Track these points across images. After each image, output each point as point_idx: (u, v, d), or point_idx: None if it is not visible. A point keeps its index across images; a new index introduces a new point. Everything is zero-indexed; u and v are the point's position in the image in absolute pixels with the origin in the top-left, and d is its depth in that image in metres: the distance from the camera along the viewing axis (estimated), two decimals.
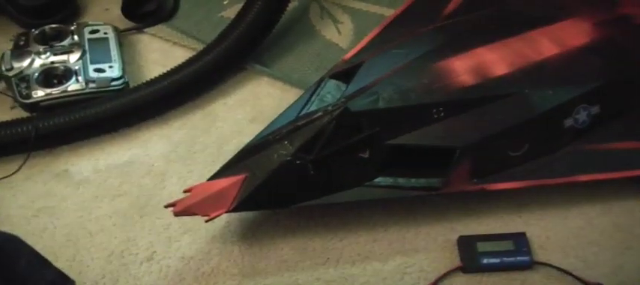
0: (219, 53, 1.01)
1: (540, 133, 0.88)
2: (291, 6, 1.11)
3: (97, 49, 1.04)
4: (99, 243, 0.87)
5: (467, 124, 0.84)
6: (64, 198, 0.92)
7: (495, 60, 0.89)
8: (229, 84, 1.06)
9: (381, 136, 0.82)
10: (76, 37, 1.06)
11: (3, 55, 1.01)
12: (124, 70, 1.02)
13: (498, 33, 0.93)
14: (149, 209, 0.90)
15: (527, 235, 0.87)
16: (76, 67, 1.01)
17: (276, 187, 0.81)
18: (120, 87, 1.00)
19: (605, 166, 0.89)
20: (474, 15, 1.00)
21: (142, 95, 0.98)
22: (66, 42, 1.05)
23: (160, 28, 1.14)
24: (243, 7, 1.03)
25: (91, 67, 1.01)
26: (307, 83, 0.94)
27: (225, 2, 1.16)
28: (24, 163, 0.95)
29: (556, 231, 0.89)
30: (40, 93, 0.98)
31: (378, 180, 0.84)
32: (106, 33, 1.07)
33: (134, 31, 1.14)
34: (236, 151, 0.85)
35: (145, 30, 1.14)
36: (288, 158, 0.80)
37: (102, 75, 1.00)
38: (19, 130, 0.92)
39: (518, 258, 0.85)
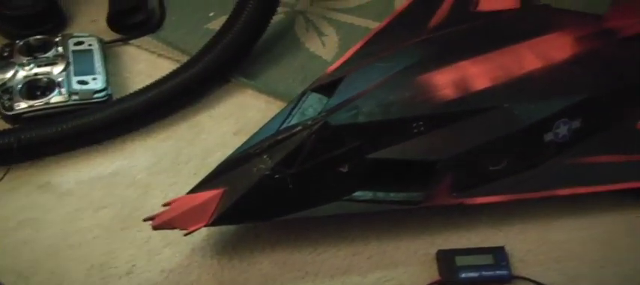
0: (203, 65, 1.01)
1: (521, 147, 0.88)
2: (276, 18, 1.11)
3: (81, 61, 1.04)
4: (80, 256, 0.87)
5: (448, 138, 0.84)
6: (46, 210, 0.92)
7: (478, 74, 0.88)
8: (214, 96, 1.06)
9: (361, 151, 0.82)
10: (60, 49, 1.06)
11: None
12: (107, 82, 1.02)
13: (482, 46, 0.93)
14: (131, 222, 0.90)
15: (508, 249, 0.86)
16: (60, 79, 1.01)
17: (255, 201, 0.81)
18: (103, 99, 1.00)
19: (586, 180, 0.89)
20: (458, 28, 1.00)
21: (126, 107, 0.98)
22: (50, 53, 1.05)
23: (146, 40, 1.14)
24: (227, 19, 1.03)
25: (74, 79, 1.01)
26: (292, 96, 0.93)
27: (211, 14, 1.16)
28: (4, 175, 0.94)
29: (536, 245, 0.89)
30: (22, 105, 0.97)
31: (358, 194, 0.84)
32: (90, 45, 1.07)
33: (120, 42, 1.14)
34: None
35: (131, 42, 1.14)
36: (268, 172, 0.80)
37: (85, 87, 1.00)
38: (1, 142, 0.91)
39: (497, 272, 0.84)
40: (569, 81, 0.92)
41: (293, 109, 0.89)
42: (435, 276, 0.84)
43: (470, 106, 0.85)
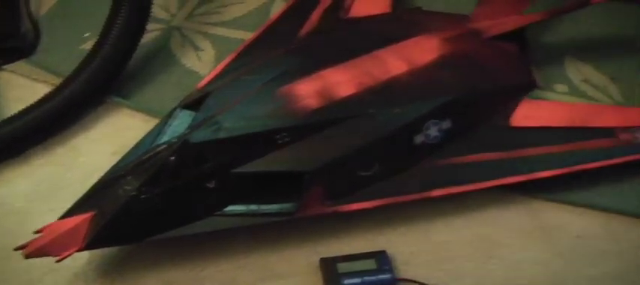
0: (75, 88, 1.01)
1: (391, 151, 0.89)
2: (151, 35, 1.13)
3: None
4: None
5: (314, 147, 0.85)
6: None
7: (342, 81, 0.90)
8: (91, 118, 1.06)
9: (226, 166, 0.83)
10: None
11: None
12: None
13: (347, 54, 0.94)
14: (9, 252, 0.88)
15: (391, 252, 0.87)
16: None
17: (124, 223, 0.81)
18: None
19: (460, 179, 0.90)
20: (323, 36, 1.02)
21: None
22: None
23: (20, 65, 1.12)
24: (98, 39, 1.03)
25: None
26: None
27: (86, 35, 1.15)
28: None
29: (420, 246, 0.90)
30: None
31: (230, 208, 0.84)
32: None
33: None
34: None
35: (4, 67, 1.12)
36: (134, 193, 0.80)
37: None
38: None
39: (380, 276, 0.84)
40: (436, 83, 0.94)
41: (164, 126, 0.89)
42: (320, 284, 0.85)
43: (334, 114, 0.87)
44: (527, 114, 0.98)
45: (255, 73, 0.93)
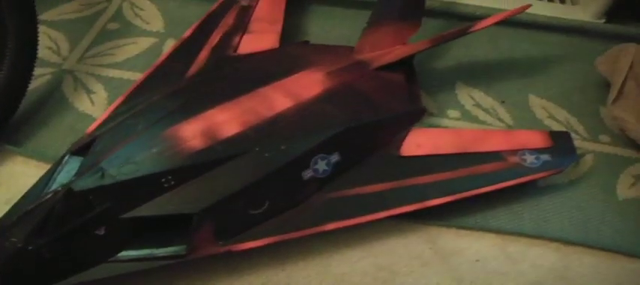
0: None
1: (280, 188, 0.90)
2: (43, 80, 1.12)
3: None
4: None
5: (200, 188, 0.85)
6: None
7: (226, 120, 0.90)
8: None
9: (113, 212, 0.82)
10: None
11: None
12: None
13: (231, 92, 0.95)
14: None
15: None
16: None
17: (13, 276, 0.79)
18: None
19: (353, 211, 0.91)
20: (208, 75, 1.02)
21: None
22: None
23: None
24: None
25: None
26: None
27: None
28: None
29: (320, 280, 0.91)
30: None
31: (123, 254, 0.84)
32: None
33: None
34: None
35: None
36: (20, 245, 0.79)
37: None
38: None
39: None
40: (322, 117, 0.95)
41: (53, 174, 0.88)
42: None
43: (219, 154, 0.87)
44: (417, 142, 1.00)
45: (140, 116, 0.92)
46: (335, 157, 0.93)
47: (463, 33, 1.14)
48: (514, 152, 1.00)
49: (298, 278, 0.90)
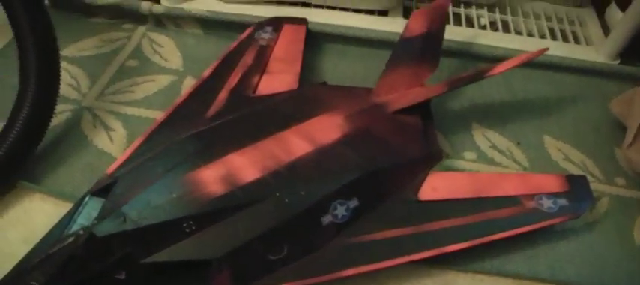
0: None
1: (299, 234, 0.90)
2: (62, 117, 1.12)
3: None
4: None
5: (220, 234, 0.86)
6: None
7: (245, 165, 0.91)
8: (1, 203, 1.03)
9: (135, 256, 0.83)
10: None
11: None
12: None
13: (250, 136, 0.95)
14: None
15: None
16: None
17: None
18: None
19: (371, 256, 0.91)
20: (227, 118, 1.02)
21: None
22: None
23: None
24: (7, 122, 1.01)
25: None
26: (79, 197, 0.93)
27: None
28: None
29: None
30: None
31: None
32: None
33: None
34: None
35: None
36: None
37: None
38: None
39: None
40: (341, 162, 0.95)
41: (73, 215, 0.89)
42: None
43: (239, 200, 0.87)
44: (434, 186, 1.00)
45: (159, 158, 0.93)
46: (354, 203, 0.93)
47: (480, 76, 1.15)
48: (531, 197, 1.00)
49: None
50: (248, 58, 1.17)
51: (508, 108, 1.26)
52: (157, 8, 1.35)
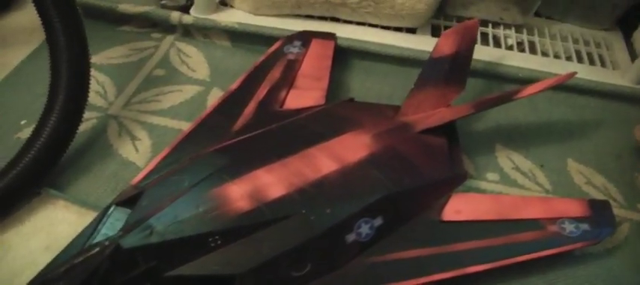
0: (7, 182, 0.99)
1: (323, 251, 0.89)
2: (88, 124, 1.13)
3: None
4: None
5: (245, 250, 0.85)
6: None
7: (272, 182, 0.91)
8: (24, 211, 1.03)
9: (159, 269, 0.83)
10: None
11: None
12: None
13: (278, 152, 0.95)
14: None
15: None
16: None
17: None
18: None
19: (393, 276, 0.90)
20: (254, 134, 1.02)
21: None
22: None
23: None
24: (35, 129, 1.01)
25: None
26: (103, 206, 0.93)
27: (23, 122, 1.14)
28: None
29: None
30: None
31: None
32: None
33: None
34: None
35: None
36: None
37: None
38: None
39: None
40: (366, 180, 0.95)
41: (97, 224, 0.89)
42: None
43: (265, 216, 0.87)
44: (457, 208, 0.99)
45: (186, 172, 0.92)
46: (378, 221, 0.93)
47: (508, 99, 1.14)
48: (553, 221, 1.00)
49: None
50: (276, 72, 1.17)
51: (532, 130, 1.26)
52: (186, 18, 1.36)
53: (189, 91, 1.26)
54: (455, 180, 1.05)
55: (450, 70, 1.17)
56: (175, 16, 1.36)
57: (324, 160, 0.96)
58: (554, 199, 1.07)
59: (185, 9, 1.41)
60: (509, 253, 0.95)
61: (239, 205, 0.88)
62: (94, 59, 1.25)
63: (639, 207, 1.13)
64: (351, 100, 1.18)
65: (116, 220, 0.89)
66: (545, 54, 1.43)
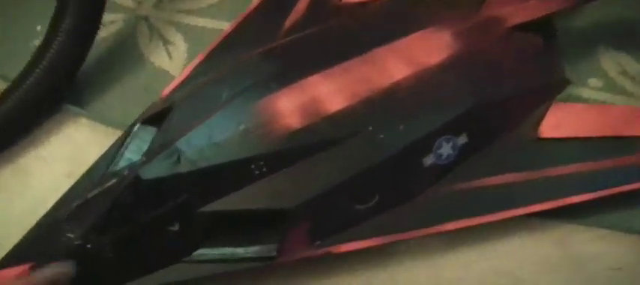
0: (24, 92, 0.86)
1: (394, 178, 0.74)
2: (113, 27, 0.98)
3: None
4: None
5: (298, 178, 0.70)
6: None
7: (331, 91, 0.74)
8: (43, 131, 0.91)
9: (190, 205, 0.68)
10: None
11: None
12: None
13: (337, 55, 0.78)
14: None
15: None
16: None
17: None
18: None
19: (478, 207, 0.76)
20: (308, 32, 0.86)
21: None
22: None
23: None
24: (48, 30, 0.87)
25: None
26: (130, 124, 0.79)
27: (38, 28, 0.99)
28: None
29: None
30: None
31: (200, 253, 0.70)
32: None
33: None
34: None
35: None
36: (77, 242, 0.66)
37: None
38: None
39: None
40: (448, 89, 0.79)
41: (120, 147, 0.75)
42: None
43: (323, 135, 0.71)
44: (556, 122, 0.83)
45: (225, 81, 0.77)
46: (462, 140, 0.77)
47: None
48: None
49: (403, 280, 0.76)
50: None
51: None
52: None
53: None
54: (553, 88, 0.87)
55: None
56: None
57: (395, 64, 0.78)
58: None
59: None
60: (619, 179, 0.79)
61: (290, 120, 0.72)
62: None
63: None
64: None
65: (142, 142, 0.74)
66: None
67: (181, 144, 0.69)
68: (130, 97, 0.93)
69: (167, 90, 0.83)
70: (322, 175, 0.71)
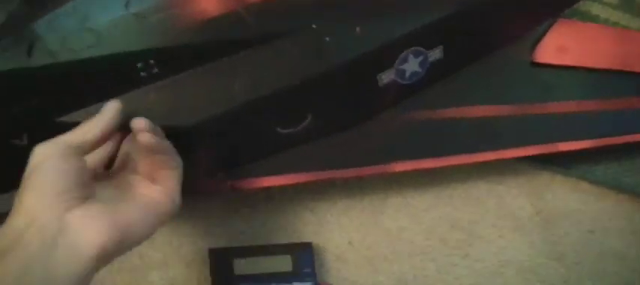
0: None
1: (337, 96, 0.58)
2: None
3: None
4: None
5: (204, 85, 0.52)
6: None
7: None
8: None
9: (45, 112, 0.50)
10: None
11: None
12: None
13: None
14: None
15: (320, 243, 0.63)
16: None
17: None
18: None
19: (440, 147, 0.63)
20: None
21: None
22: None
23: None
24: None
25: None
26: None
27: None
28: None
29: (364, 234, 0.65)
30: None
31: None
32: None
33: None
34: None
35: None
36: None
37: None
38: None
39: (295, 284, 0.60)
40: None
41: None
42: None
43: (247, 29, 0.52)
44: (560, 43, 0.68)
45: None
46: (436, 54, 0.60)
47: None
48: None
49: (332, 227, 0.64)
50: None
51: None
52: None
53: None
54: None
55: None
56: None
57: None
58: None
59: None
60: (625, 126, 0.67)
61: (203, 6, 0.51)
62: None
63: None
64: None
65: None
66: None
67: (39, 26, 0.49)
68: None
69: None
70: (239, 83, 0.53)
